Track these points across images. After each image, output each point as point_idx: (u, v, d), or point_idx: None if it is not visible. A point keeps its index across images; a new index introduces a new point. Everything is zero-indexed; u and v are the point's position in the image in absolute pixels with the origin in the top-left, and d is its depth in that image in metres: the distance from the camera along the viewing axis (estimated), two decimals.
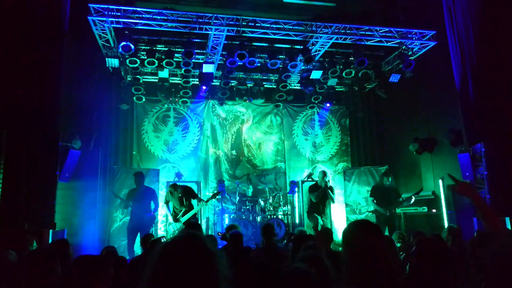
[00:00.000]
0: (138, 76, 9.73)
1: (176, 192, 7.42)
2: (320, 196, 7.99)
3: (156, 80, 10.21)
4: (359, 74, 10.05)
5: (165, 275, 1.14)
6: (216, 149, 10.98)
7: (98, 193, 8.60)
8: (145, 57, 8.94)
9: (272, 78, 10.73)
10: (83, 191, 8.00)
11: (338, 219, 10.16)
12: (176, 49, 9.10)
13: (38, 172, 5.86)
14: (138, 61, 8.90)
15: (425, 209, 8.85)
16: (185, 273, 1.14)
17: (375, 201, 7.88)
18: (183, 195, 7.50)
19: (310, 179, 10.08)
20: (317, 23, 8.34)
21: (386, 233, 7.30)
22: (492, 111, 6.83)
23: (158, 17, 7.73)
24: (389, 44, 8.90)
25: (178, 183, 7.89)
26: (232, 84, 10.38)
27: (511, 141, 6.61)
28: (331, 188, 8.18)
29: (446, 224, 8.15)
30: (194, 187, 9.62)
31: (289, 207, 10.17)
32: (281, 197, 10.15)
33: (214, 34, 8.18)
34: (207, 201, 7.86)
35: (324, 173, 8.18)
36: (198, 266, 1.15)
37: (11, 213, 5.55)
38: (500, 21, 6.75)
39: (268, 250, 4.52)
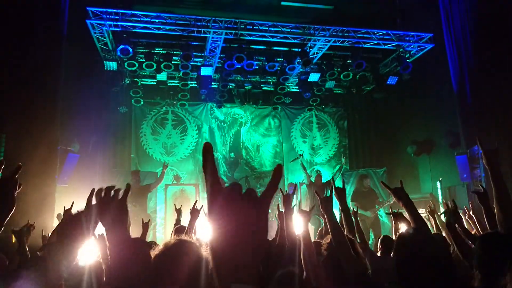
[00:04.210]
0: (136, 79, 9.72)
1: None
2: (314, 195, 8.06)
3: (154, 83, 10.21)
4: (357, 76, 10.09)
5: (159, 279, 1.16)
6: (214, 152, 10.91)
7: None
8: (143, 60, 8.96)
9: (270, 80, 10.74)
10: (82, 195, 7.96)
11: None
12: (174, 52, 9.12)
13: (36, 175, 5.83)
14: (137, 64, 8.91)
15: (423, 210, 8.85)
16: (178, 277, 1.15)
17: (357, 206, 7.98)
18: None
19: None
20: (315, 26, 8.39)
21: (371, 235, 7.38)
22: (489, 113, 6.86)
23: (156, 20, 7.75)
24: (386, 46, 8.94)
25: None
26: (230, 86, 10.39)
27: (508, 142, 6.63)
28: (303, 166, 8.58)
29: None
30: (192, 190, 9.63)
31: None
32: (279, 199, 10.13)
33: (212, 37, 8.20)
34: None
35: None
36: (191, 270, 1.17)
37: (10, 217, 5.53)
38: (496, 23, 6.79)
39: None
